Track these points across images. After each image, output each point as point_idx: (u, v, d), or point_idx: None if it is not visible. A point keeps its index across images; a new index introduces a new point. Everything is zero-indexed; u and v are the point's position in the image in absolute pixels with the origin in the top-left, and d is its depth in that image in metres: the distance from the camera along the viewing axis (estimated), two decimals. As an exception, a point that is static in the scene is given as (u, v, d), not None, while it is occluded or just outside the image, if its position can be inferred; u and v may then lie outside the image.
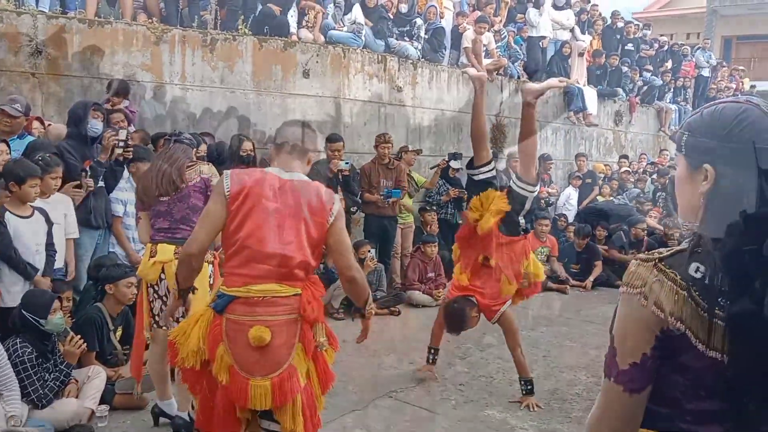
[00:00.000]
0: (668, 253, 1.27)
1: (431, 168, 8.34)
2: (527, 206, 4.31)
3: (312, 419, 2.71)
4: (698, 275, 1.21)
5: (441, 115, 9.27)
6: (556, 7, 11.81)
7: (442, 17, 9.88)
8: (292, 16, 7.95)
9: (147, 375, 3.98)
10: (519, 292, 4.52)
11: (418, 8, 9.66)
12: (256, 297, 2.60)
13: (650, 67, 14.02)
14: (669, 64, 14.70)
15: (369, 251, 6.85)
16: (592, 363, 5.37)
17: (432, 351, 4.86)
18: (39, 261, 4.22)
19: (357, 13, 8.48)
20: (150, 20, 6.96)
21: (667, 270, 1.24)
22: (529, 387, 4.47)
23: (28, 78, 5.92)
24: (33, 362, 3.65)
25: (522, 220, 4.31)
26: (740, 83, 16.83)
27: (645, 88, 13.75)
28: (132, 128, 5.70)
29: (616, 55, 12.96)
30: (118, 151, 5.02)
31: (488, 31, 10.09)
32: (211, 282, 3.70)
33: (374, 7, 8.77)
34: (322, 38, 8.11)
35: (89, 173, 4.86)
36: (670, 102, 14.53)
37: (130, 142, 5.14)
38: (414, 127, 8.92)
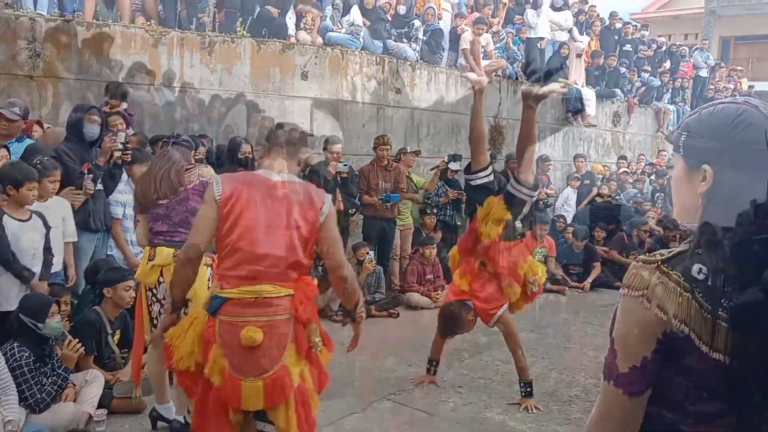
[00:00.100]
0: (670, 254, 1.27)
1: (431, 169, 8.34)
2: (525, 210, 4.29)
3: (307, 419, 2.72)
4: (701, 276, 1.20)
5: (439, 117, 9.27)
6: (554, 8, 11.82)
7: (440, 19, 9.89)
8: (291, 18, 7.96)
9: (145, 378, 3.97)
10: (525, 296, 4.50)
11: (417, 10, 9.66)
12: (249, 298, 2.63)
13: (648, 68, 14.04)
14: (667, 65, 14.72)
15: (368, 253, 6.85)
16: (590, 364, 5.36)
17: (433, 363, 4.84)
18: (36, 265, 4.21)
19: (355, 14, 8.48)
20: (148, 22, 6.96)
21: (670, 272, 1.23)
22: (528, 389, 4.47)
23: (27, 81, 5.91)
24: (30, 366, 3.64)
25: (519, 225, 4.30)
26: (738, 84, 16.85)
27: (643, 88, 13.77)
28: (130, 131, 5.70)
29: (614, 56, 12.97)
30: (117, 153, 5.02)
31: (486, 32, 10.09)
32: (210, 285, 3.70)
33: (372, 8, 8.77)
34: (321, 40, 8.11)
35: (89, 176, 4.85)
36: (668, 103, 14.55)
37: (128, 145, 5.14)
38: (413, 128, 8.92)
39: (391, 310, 6.89)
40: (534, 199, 4.31)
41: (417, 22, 9.28)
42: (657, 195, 11.23)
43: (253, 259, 2.63)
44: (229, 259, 2.66)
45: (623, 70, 13.11)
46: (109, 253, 5.21)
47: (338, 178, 6.73)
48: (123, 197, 5.22)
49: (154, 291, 3.72)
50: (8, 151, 4.64)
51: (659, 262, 1.25)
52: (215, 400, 2.68)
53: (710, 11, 22.68)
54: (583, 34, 12.40)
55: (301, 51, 7.67)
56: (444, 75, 9.38)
